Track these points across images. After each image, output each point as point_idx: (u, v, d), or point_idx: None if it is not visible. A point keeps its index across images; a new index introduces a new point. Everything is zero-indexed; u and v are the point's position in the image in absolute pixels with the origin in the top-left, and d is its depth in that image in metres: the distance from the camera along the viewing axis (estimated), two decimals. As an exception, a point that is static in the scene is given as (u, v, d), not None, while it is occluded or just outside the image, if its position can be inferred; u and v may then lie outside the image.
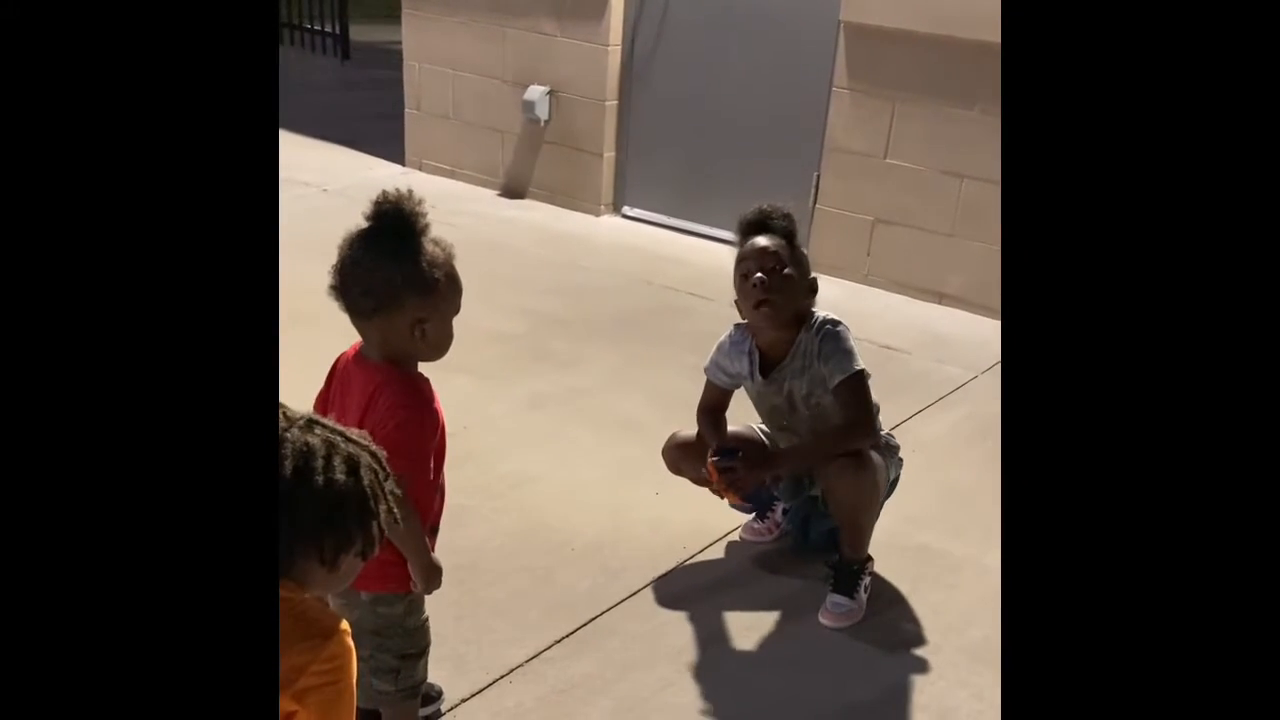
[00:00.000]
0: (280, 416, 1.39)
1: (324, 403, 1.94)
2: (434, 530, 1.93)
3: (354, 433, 1.46)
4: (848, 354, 2.53)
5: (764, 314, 2.54)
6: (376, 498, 1.43)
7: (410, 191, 1.79)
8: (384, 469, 1.45)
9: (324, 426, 1.41)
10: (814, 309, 2.60)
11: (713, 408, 2.73)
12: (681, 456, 2.80)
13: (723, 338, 2.71)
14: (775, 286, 2.50)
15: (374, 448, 1.46)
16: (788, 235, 2.58)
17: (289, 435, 1.37)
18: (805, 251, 2.63)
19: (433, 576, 1.91)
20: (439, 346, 1.86)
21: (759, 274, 2.51)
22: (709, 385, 2.74)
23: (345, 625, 1.44)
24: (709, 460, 2.60)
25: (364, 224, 1.79)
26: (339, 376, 1.92)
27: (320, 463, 1.37)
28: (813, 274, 2.63)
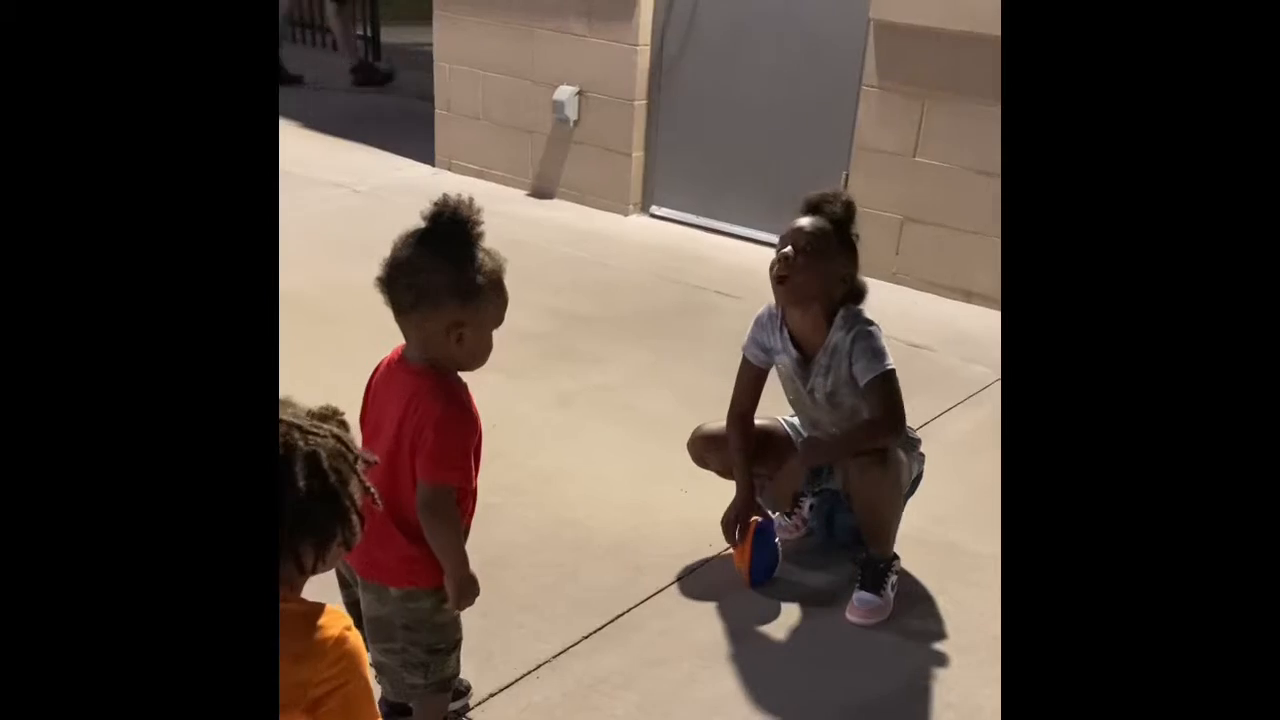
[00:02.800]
0: None
1: (366, 415, 1.93)
2: (465, 531, 1.94)
3: (315, 418, 1.38)
4: (878, 353, 2.53)
5: (782, 290, 2.55)
6: (346, 485, 1.37)
7: (470, 199, 1.80)
8: (350, 449, 1.39)
9: (280, 422, 1.33)
10: (851, 306, 2.60)
11: (744, 412, 2.75)
12: (707, 448, 2.81)
13: (760, 311, 2.73)
14: (797, 266, 2.50)
15: (336, 428, 1.39)
16: (839, 222, 2.56)
17: None
18: (858, 240, 2.61)
19: (467, 590, 1.90)
20: (476, 355, 1.86)
21: (783, 252, 2.52)
22: (744, 365, 2.75)
23: (341, 622, 1.39)
24: (751, 521, 2.68)
25: (421, 224, 1.81)
26: (380, 377, 1.93)
27: (280, 470, 1.29)
28: (860, 276, 2.61)
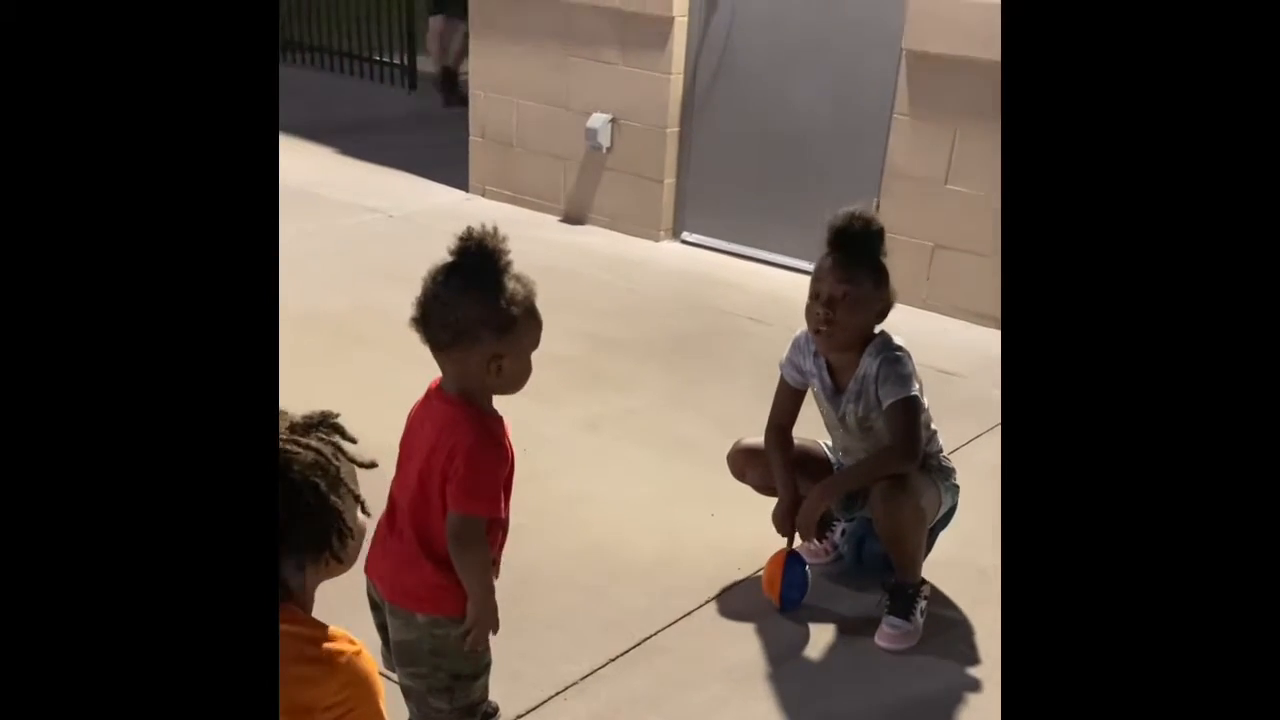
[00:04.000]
0: None
1: (403, 442, 1.93)
2: (494, 563, 1.94)
3: (300, 427, 1.36)
4: (902, 379, 2.54)
5: (821, 338, 2.58)
6: (337, 493, 1.35)
7: (495, 229, 1.80)
8: (333, 461, 1.35)
9: None
10: (881, 330, 2.60)
11: (781, 425, 2.76)
12: (746, 462, 2.83)
13: (798, 333, 2.73)
14: (834, 317, 2.52)
15: (317, 442, 1.36)
16: (867, 252, 2.55)
17: None
18: (885, 259, 2.59)
19: (487, 622, 1.90)
20: (515, 381, 1.87)
21: (821, 301, 2.53)
22: (781, 384, 2.77)
23: (351, 646, 1.37)
24: (780, 552, 2.70)
25: (448, 258, 1.81)
26: (419, 406, 1.94)
27: None
28: (890, 292, 2.60)
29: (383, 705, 1.41)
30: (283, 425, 1.35)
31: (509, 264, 1.81)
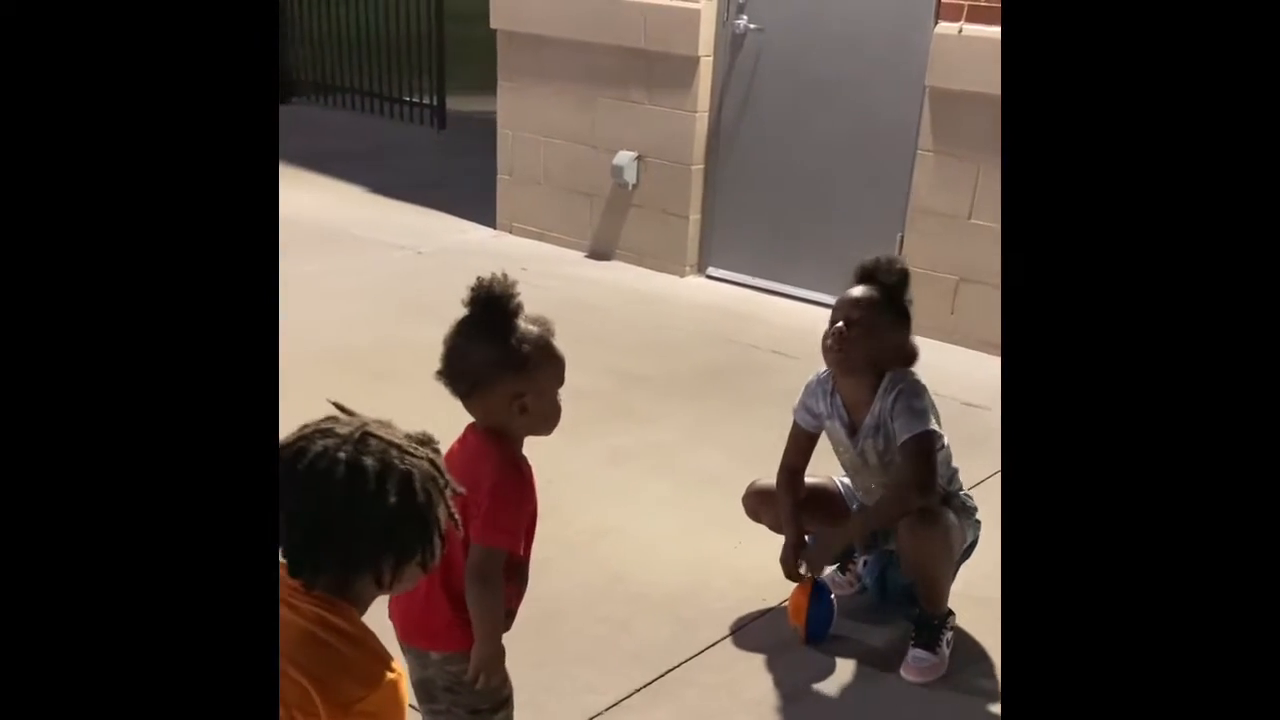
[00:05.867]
0: (331, 433, 1.38)
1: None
2: (510, 615, 1.95)
3: (411, 439, 1.42)
4: (918, 414, 2.55)
5: (832, 360, 2.61)
6: (435, 508, 1.40)
7: (504, 275, 1.85)
8: (442, 475, 1.42)
9: (378, 439, 1.38)
10: (899, 369, 2.62)
11: (793, 468, 2.78)
12: (760, 503, 2.85)
13: (810, 378, 2.78)
14: (848, 338, 2.55)
15: (431, 453, 1.43)
16: (892, 290, 2.59)
17: (342, 455, 1.35)
18: (911, 305, 2.64)
19: (490, 664, 1.89)
20: (545, 419, 1.89)
21: (838, 323, 2.56)
22: (794, 429, 2.79)
23: (397, 673, 1.42)
24: (807, 580, 2.74)
25: (459, 310, 1.87)
26: (455, 444, 1.95)
27: (373, 486, 1.34)
28: (912, 342, 2.64)
29: None
30: (397, 433, 1.41)
31: (519, 306, 1.85)
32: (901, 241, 4.94)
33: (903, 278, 2.61)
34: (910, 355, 2.65)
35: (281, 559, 1.40)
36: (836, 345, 2.56)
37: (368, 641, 1.42)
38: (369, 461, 1.35)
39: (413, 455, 1.40)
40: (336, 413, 1.44)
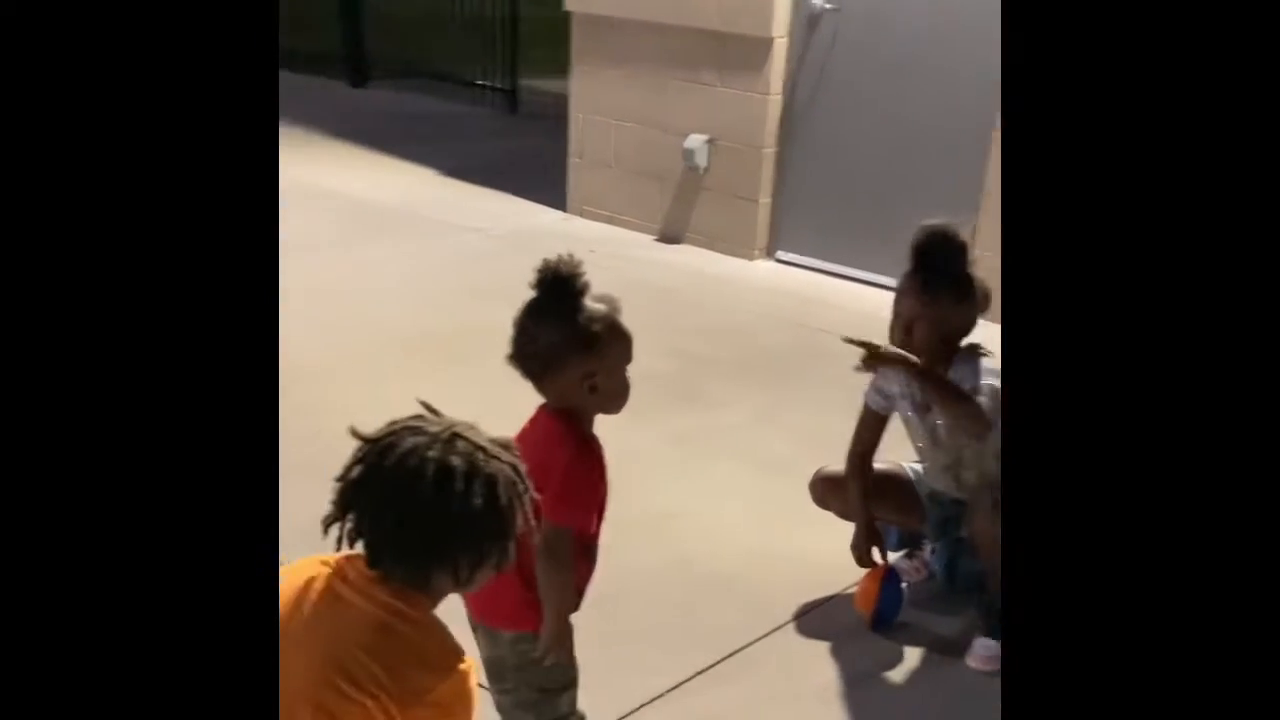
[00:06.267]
0: (421, 430, 1.42)
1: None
2: (579, 594, 1.97)
3: (495, 444, 1.46)
4: (992, 373, 2.50)
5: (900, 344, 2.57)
6: (514, 513, 1.44)
7: (569, 255, 1.86)
8: (523, 480, 1.46)
9: (466, 441, 1.42)
10: (970, 343, 2.59)
11: (863, 452, 2.76)
12: (829, 490, 2.84)
13: None
14: (910, 342, 2.53)
15: (513, 458, 1.47)
16: (948, 268, 2.55)
17: (431, 453, 1.38)
18: (974, 275, 2.58)
19: (560, 641, 1.90)
20: (615, 397, 1.90)
21: (900, 320, 2.55)
22: (864, 412, 2.77)
23: (467, 664, 1.45)
24: (877, 566, 2.71)
25: (529, 292, 1.88)
26: (524, 429, 1.97)
27: (460, 485, 1.38)
28: (976, 303, 2.58)
29: None
30: (487, 438, 1.45)
31: (586, 285, 1.86)
32: (975, 227, 4.86)
33: (959, 249, 2.56)
34: (973, 323, 2.60)
35: (361, 550, 1.44)
36: (904, 345, 2.54)
37: (440, 633, 1.45)
38: (457, 461, 1.39)
39: (497, 459, 1.43)
40: (425, 411, 1.48)
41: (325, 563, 1.47)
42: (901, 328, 2.54)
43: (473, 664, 1.48)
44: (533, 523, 1.50)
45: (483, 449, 1.43)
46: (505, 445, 1.48)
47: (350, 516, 1.43)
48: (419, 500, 1.38)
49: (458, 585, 1.47)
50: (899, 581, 2.74)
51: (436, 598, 1.48)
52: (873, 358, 2.50)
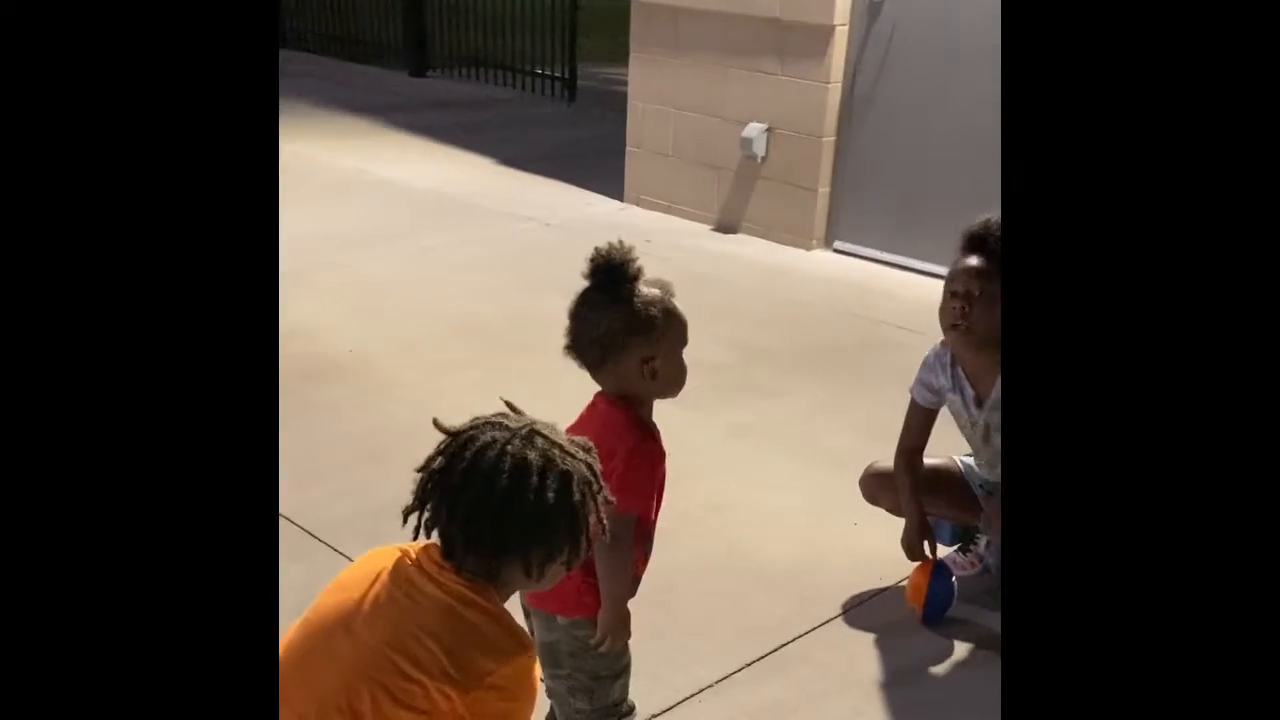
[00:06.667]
0: (502, 426, 1.46)
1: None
2: (635, 580, 1.97)
3: (573, 444, 1.49)
4: None
5: (955, 336, 2.55)
6: (586, 511, 1.47)
7: (620, 241, 1.87)
8: (597, 481, 1.50)
9: (544, 438, 1.46)
10: None
11: (912, 450, 2.73)
12: (879, 486, 2.81)
13: (928, 353, 2.73)
14: (970, 314, 2.49)
15: (590, 458, 1.50)
16: (999, 244, 2.52)
17: (509, 448, 1.43)
18: None
19: (618, 628, 1.92)
20: (674, 381, 1.91)
21: (958, 297, 2.51)
22: (911, 408, 2.75)
23: (531, 653, 1.48)
24: (927, 562, 2.69)
25: (584, 282, 1.89)
26: (582, 415, 1.98)
27: (535, 479, 1.42)
28: None
29: (531, 711, 1.50)
30: (565, 437, 1.50)
31: (639, 271, 1.87)
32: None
33: None
34: None
35: (435, 539, 1.48)
36: (961, 322, 2.51)
37: (505, 620, 1.48)
38: (533, 457, 1.43)
39: (573, 457, 1.47)
40: (507, 410, 1.53)
41: (403, 550, 1.51)
42: (959, 302, 2.50)
43: (535, 651, 1.50)
44: (605, 523, 1.52)
45: (560, 446, 1.47)
46: (585, 447, 1.52)
47: (428, 506, 1.47)
48: (494, 493, 1.42)
49: (528, 581, 1.50)
50: (949, 575, 2.72)
51: (507, 591, 1.51)
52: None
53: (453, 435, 1.48)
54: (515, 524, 1.43)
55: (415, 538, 1.50)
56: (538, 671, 1.50)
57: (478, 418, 1.50)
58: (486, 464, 1.43)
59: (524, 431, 1.45)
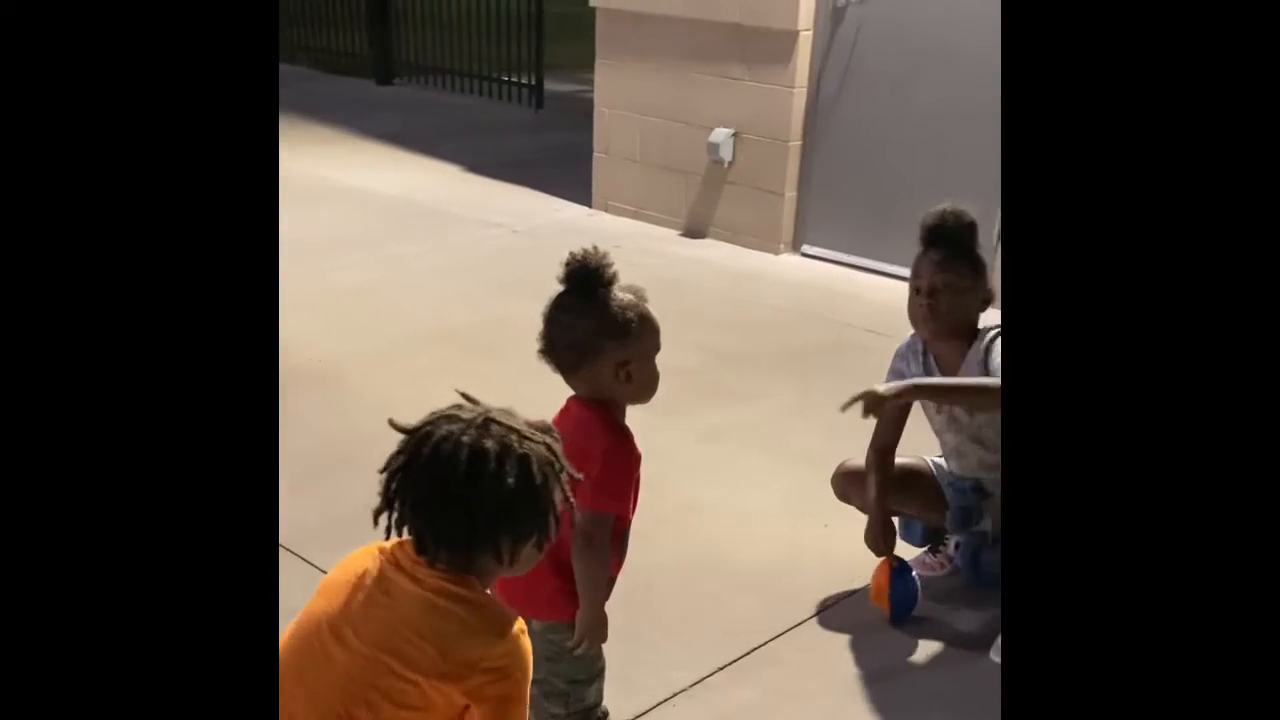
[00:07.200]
0: (456, 418, 1.46)
1: None
2: (610, 583, 1.98)
3: (531, 427, 1.50)
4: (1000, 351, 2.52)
5: (926, 327, 2.60)
6: (551, 491, 1.48)
7: (595, 247, 1.88)
8: (559, 460, 1.50)
9: (500, 425, 1.46)
10: (984, 323, 2.61)
11: (885, 446, 2.75)
12: (849, 484, 2.83)
13: (900, 344, 2.76)
14: (936, 306, 2.55)
15: (549, 439, 1.50)
16: (961, 245, 2.58)
17: (465, 439, 1.43)
18: (985, 257, 2.62)
19: (595, 630, 1.94)
20: (647, 386, 1.92)
21: (921, 293, 2.56)
22: None
23: (521, 625, 1.50)
24: (886, 563, 2.70)
25: (559, 286, 1.89)
26: (556, 420, 1.96)
27: (493, 467, 1.42)
28: (990, 282, 2.62)
29: (528, 686, 1.51)
30: (517, 420, 1.50)
31: (615, 276, 1.88)
32: (1002, 219, 4.84)
33: (970, 227, 2.59)
34: (990, 298, 2.62)
35: (408, 535, 1.48)
36: (926, 314, 2.56)
37: (488, 606, 1.49)
38: (490, 445, 1.43)
39: (531, 440, 1.47)
40: (462, 400, 1.52)
41: (380, 550, 1.52)
42: (925, 297, 2.54)
43: (524, 628, 1.51)
44: (573, 500, 1.53)
45: (517, 431, 1.47)
46: (542, 428, 1.52)
47: (395, 506, 1.47)
48: (455, 485, 1.42)
49: (502, 566, 1.51)
50: (910, 573, 2.73)
51: (485, 579, 1.52)
52: (874, 403, 2.48)
53: (410, 433, 1.48)
54: (481, 514, 1.44)
55: (387, 538, 1.50)
56: (528, 644, 1.50)
57: (434, 412, 1.50)
58: (445, 457, 1.43)
59: (479, 421, 1.45)
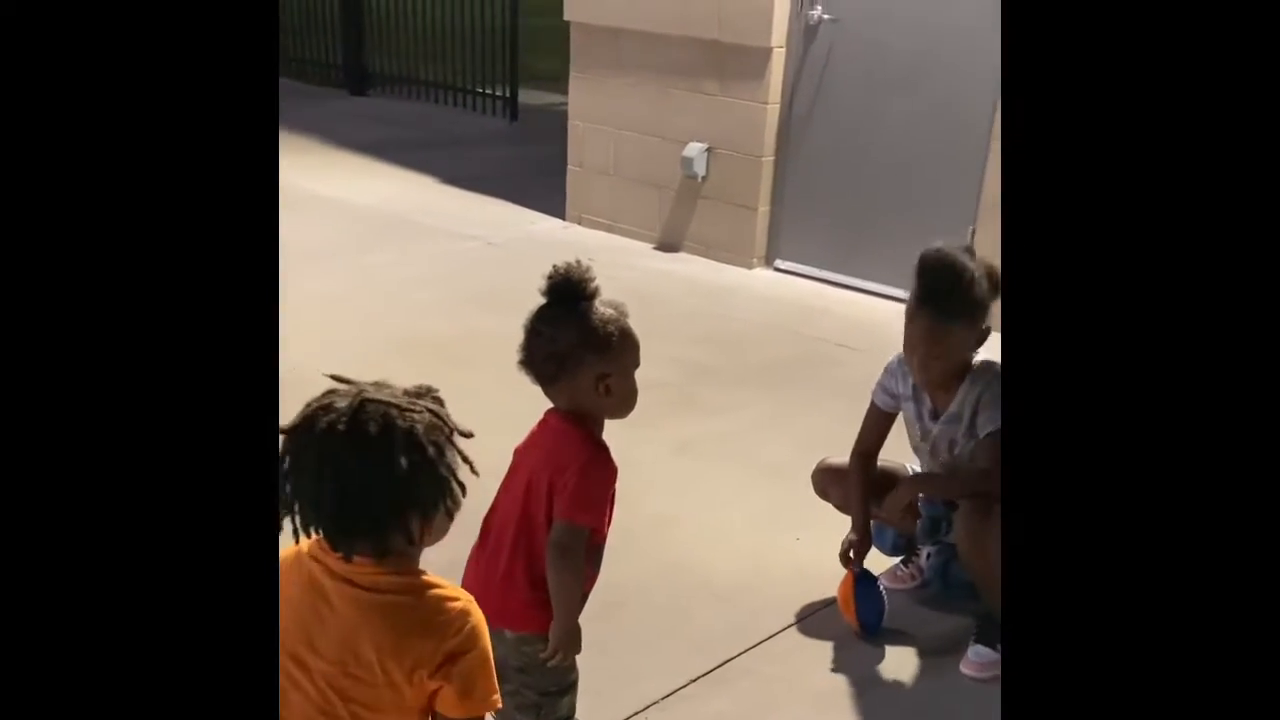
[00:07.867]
0: (330, 406, 1.40)
1: (515, 462, 1.99)
2: (584, 596, 1.98)
3: (410, 396, 1.43)
4: (997, 402, 2.54)
5: (918, 378, 2.63)
6: (446, 456, 1.42)
7: (578, 260, 1.89)
8: (446, 423, 1.44)
9: (376, 403, 1.39)
10: (985, 360, 2.62)
11: (868, 452, 2.78)
12: (830, 480, 2.86)
13: (891, 359, 2.77)
14: (929, 364, 2.55)
15: (431, 403, 1.44)
16: (952, 303, 2.50)
17: (341, 426, 1.37)
18: (980, 297, 2.52)
19: (569, 641, 1.93)
20: (625, 400, 1.93)
21: (918, 354, 2.54)
22: (871, 410, 2.79)
23: (467, 595, 1.46)
24: (851, 571, 2.72)
25: (540, 298, 1.90)
26: (533, 432, 1.99)
27: (379, 449, 1.36)
28: (987, 320, 2.58)
29: (490, 652, 1.47)
30: (394, 393, 1.44)
31: (597, 289, 1.89)
32: (973, 236, 4.89)
33: (967, 283, 2.48)
34: (984, 337, 2.62)
35: (320, 537, 1.43)
36: (919, 371, 2.58)
37: (428, 585, 1.45)
38: (370, 427, 1.37)
39: (412, 410, 1.41)
40: (336, 385, 1.46)
41: (300, 554, 1.47)
42: (918, 355, 2.55)
43: (470, 598, 1.47)
44: (471, 461, 1.49)
45: (396, 405, 1.41)
46: (420, 393, 1.46)
47: (295, 509, 1.42)
48: (345, 475, 1.37)
49: (416, 542, 1.46)
50: (876, 585, 2.75)
51: (408, 559, 1.47)
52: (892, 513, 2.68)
53: (288, 432, 1.41)
54: (378, 499, 1.39)
55: (296, 541, 1.45)
56: (478, 613, 1.46)
57: (308, 404, 1.43)
58: (328, 452, 1.38)
59: (354, 404, 1.38)
